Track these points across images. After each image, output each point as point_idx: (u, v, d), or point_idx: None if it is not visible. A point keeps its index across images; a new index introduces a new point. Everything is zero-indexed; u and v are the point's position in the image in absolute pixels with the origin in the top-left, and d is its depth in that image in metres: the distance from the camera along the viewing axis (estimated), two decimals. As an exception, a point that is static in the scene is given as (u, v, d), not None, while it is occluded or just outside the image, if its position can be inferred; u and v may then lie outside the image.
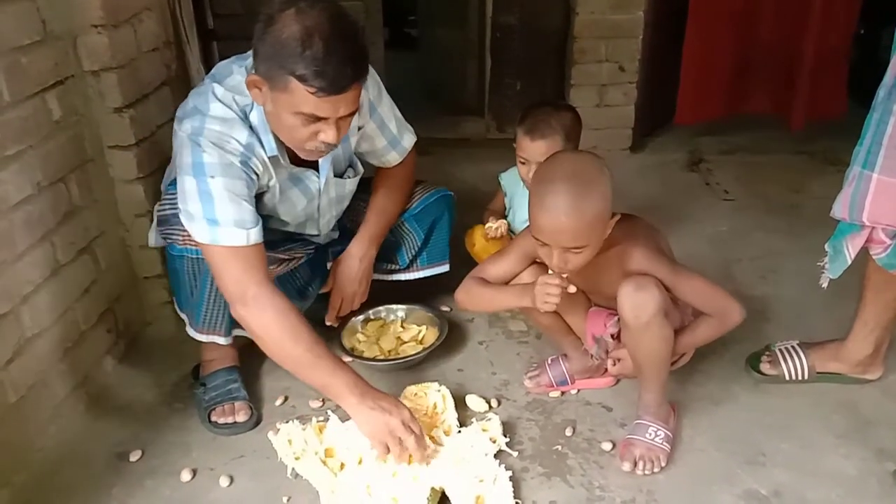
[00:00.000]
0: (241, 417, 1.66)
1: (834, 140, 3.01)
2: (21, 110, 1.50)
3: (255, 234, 1.49)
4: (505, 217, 2.21)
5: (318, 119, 1.43)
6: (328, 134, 1.45)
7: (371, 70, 1.57)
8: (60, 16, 1.62)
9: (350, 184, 1.81)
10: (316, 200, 1.75)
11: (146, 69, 1.90)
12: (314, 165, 1.68)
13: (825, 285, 1.60)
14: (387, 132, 1.81)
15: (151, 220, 1.82)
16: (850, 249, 1.52)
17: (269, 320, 1.47)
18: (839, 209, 1.51)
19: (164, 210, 1.65)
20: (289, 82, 1.37)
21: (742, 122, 3.35)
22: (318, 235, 1.86)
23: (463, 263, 1.96)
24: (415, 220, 1.93)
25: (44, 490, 1.48)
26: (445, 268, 1.99)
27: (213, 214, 1.46)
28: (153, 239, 1.79)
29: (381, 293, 1.99)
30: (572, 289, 1.49)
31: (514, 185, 2.19)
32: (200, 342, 1.72)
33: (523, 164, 2.01)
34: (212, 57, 2.77)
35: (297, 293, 1.83)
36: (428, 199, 1.94)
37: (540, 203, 1.41)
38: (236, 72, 1.55)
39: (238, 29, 2.96)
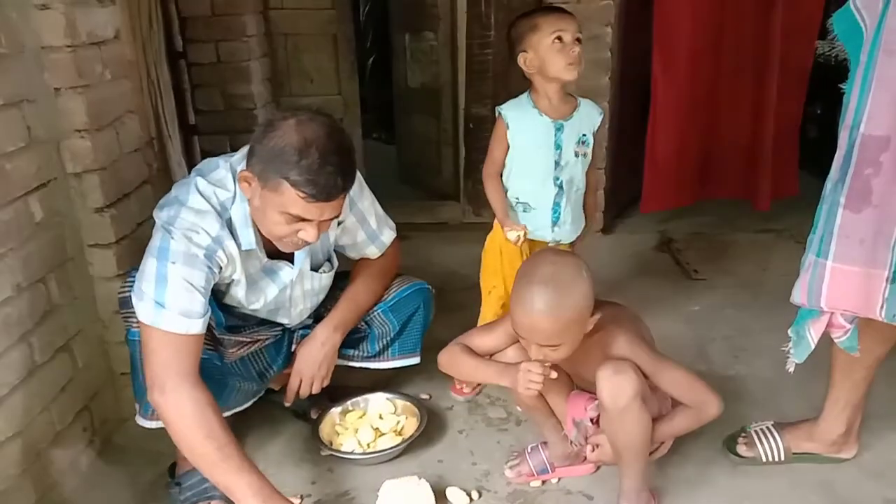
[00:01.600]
0: None
1: (801, 216, 3.09)
2: (3, 214, 1.53)
3: (195, 326, 1.51)
4: (501, 175, 1.99)
5: (302, 220, 1.51)
6: (309, 233, 1.53)
7: None
8: (45, 122, 1.68)
9: (325, 278, 1.85)
10: (288, 291, 1.78)
11: (128, 169, 1.95)
12: (289, 257, 1.72)
13: (791, 370, 1.64)
14: (367, 227, 1.86)
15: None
16: (813, 334, 1.56)
17: (185, 411, 1.47)
18: (798, 296, 1.55)
19: (125, 292, 1.66)
20: (281, 185, 1.45)
21: (709, 202, 3.46)
22: (288, 324, 1.89)
23: (439, 346, 1.97)
24: (390, 311, 1.95)
25: None
26: (416, 360, 2.00)
27: (163, 298, 1.49)
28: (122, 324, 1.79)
29: (359, 379, 1.99)
30: (553, 374, 1.52)
31: (523, 117, 1.93)
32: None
33: (560, 41, 1.85)
34: (193, 151, 2.84)
35: (258, 375, 1.84)
36: (404, 291, 1.96)
37: (519, 301, 1.47)
38: (221, 167, 1.62)
39: (219, 123, 3.08)
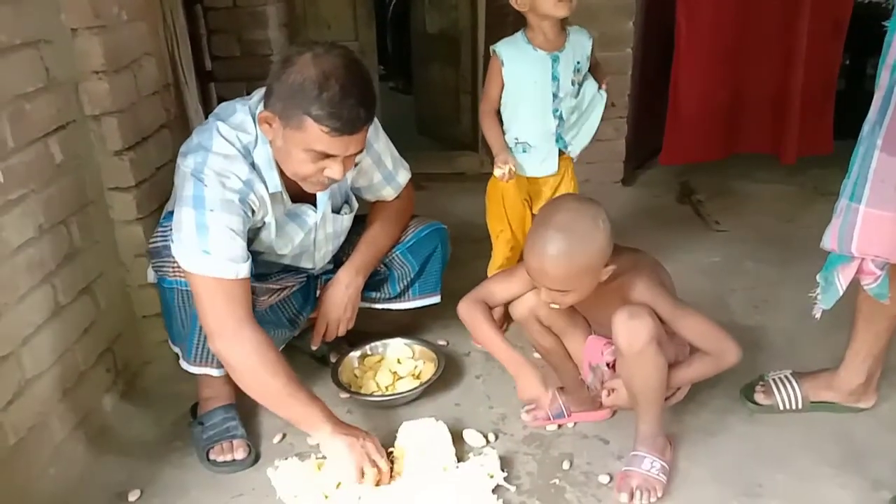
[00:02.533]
0: (240, 455, 1.67)
1: (824, 170, 3.06)
2: (24, 155, 1.53)
3: (244, 270, 1.53)
4: (499, 111, 1.99)
5: (327, 156, 1.50)
6: (334, 170, 1.53)
7: None
8: (63, 63, 1.67)
9: (346, 220, 1.85)
10: (312, 234, 1.78)
11: (146, 113, 1.94)
12: (311, 201, 1.72)
13: (818, 316, 1.62)
14: (382, 168, 1.85)
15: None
16: (842, 280, 1.54)
17: (248, 354, 1.50)
18: (828, 241, 1.53)
19: (156, 242, 1.67)
20: (303, 121, 1.45)
21: (737, 161, 3.40)
22: (312, 269, 1.89)
23: (457, 296, 1.98)
24: (409, 252, 1.96)
25: (43, 532, 1.49)
26: (437, 299, 2.01)
27: (207, 246, 1.49)
28: (151, 274, 1.81)
29: (378, 325, 2.01)
30: (555, 305, 1.55)
31: (517, 53, 1.92)
32: (197, 379, 1.74)
33: None
34: (209, 98, 2.83)
35: (288, 321, 1.86)
36: (421, 232, 1.97)
37: (532, 244, 1.47)
38: (240, 111, 1.61)
39: (235, 70, 3.04)
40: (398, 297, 1.98)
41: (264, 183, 1.60)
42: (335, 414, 1.58)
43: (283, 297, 1.81)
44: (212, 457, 1.67)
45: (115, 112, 1.79)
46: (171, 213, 1.60)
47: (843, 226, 1.49)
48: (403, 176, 1.92)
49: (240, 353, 1.51)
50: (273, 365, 1.51)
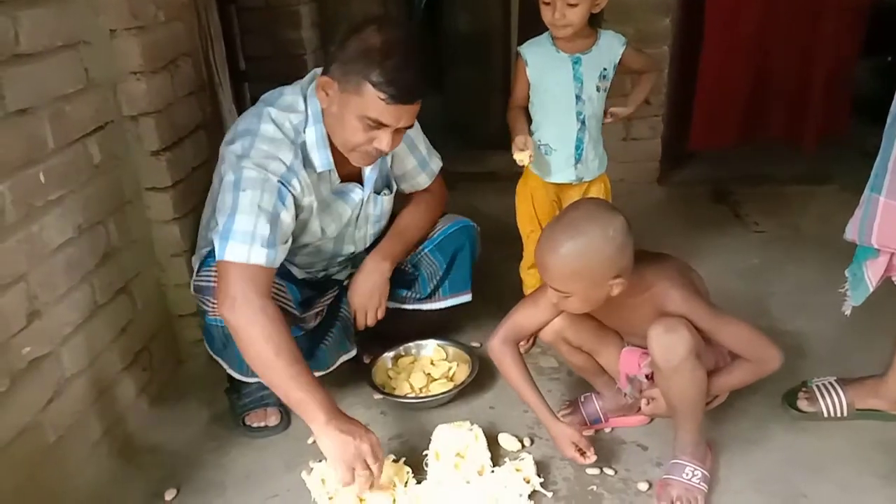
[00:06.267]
0: (273, 421, 1.75)
1: (865, 170, 2.98)
2: (64, 156, 1.54)
3: (269, 256, 1.52)
4: (527, 109, 1.99)
5: (379, 126, 1.54)
6: (383, 141, 1.56)
7: None
8: (102, 64, 1.68)
9: (386, 202, 1.87)
10: (358, 210, 1.80)
11: (182, 113, 1.95)
12: (358, 181, 1.76)
13: (848, 312, 1.58)
14: (416, 153, 1.88)
15: (187, 261, 1.88)
16: (871, 275, 1.50)
17: (257, 326, 1.48)
18: (850, 231, 1.52)
19: (200, 282, 1.71)
20: (362, 86, 1.49)
21: (768, 154, 3.34)
22: (354, 254, 1.89)
23: (490, 297, 1.95)
24: (437, 249, 1.95)
25: (81, 530, 1.50)
26: (468, 297, 1.99)
27: (234, 228, 1.51)
28: (192, 289, 1.81)
29: (411, 326, 2.00)
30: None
31: (541, 54, 1.93)
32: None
33: (547, 3, 1.84)
34: (243, 98, 2.83)
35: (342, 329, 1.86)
36: (449, 229, 1.97)
37: (543, 234, 1.48)
38: (288, 93, 1.66)
39: (268, 70, 3.04)
40: (429, 297, 1.97)
41: (311, 165, 1.63)
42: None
43: (324, 313, 1.82)
44: (247, 422, 1.76)
45: (153, 112, 1.80)
46: (214, 254, 1.57)
47: (864, 216, 1.47)
48: (436, 163, 1.95)
49: (247, 324, 1.48)
50: (278, 344, 1.47)
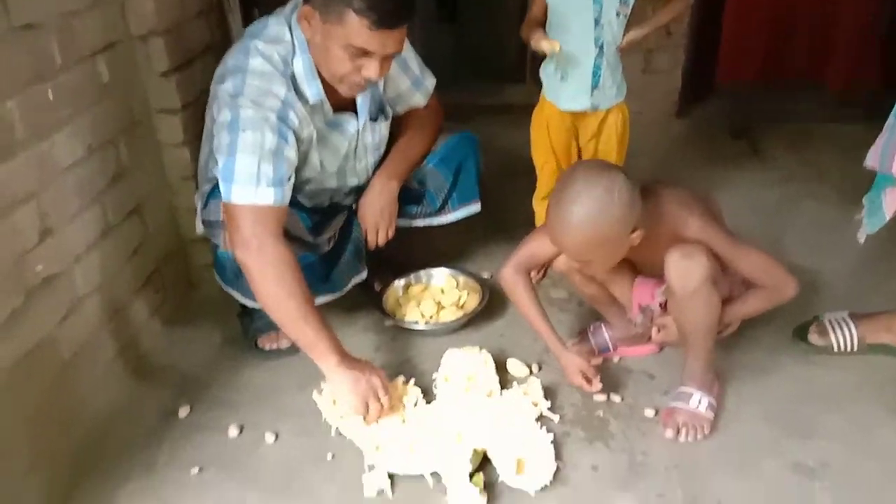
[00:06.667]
0: (285, 344, 1.77)
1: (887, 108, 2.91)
2: (72, 74, 1.51)
3: (276, 195, 1.51)
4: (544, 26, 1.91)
5: (365, 54, 1.49)
6: (371, 69, 1.52)
7: None
8: (109, -21, 1.64)
9: (383, 128, 1.83)
10: (355, 142, 1.77)
11: (192, 34, 1.91)
12: (352, 109, 1.72)
13: (862, 240, 1.56)
14: (410, 73, 1.83)
15: (196, 187, 1.86)
16: (888, 203, 1.47)
17: (269, 268, 1.48)
18: (871, 158, 1.49)
19: (209, 216, 1.69)
20: (344, 14, 1.44)
21: (791, 91, 3.26)
22: (358, 186, 1.87)
23: (503, 229, 1.93)
24: (441, 163, 1.93)
25: (97, 445, 1.53)
26: (477, 207, 1.97)
27: (238, 170, 1.49)
28: (199, 227, 1.82)
29: (422, 254, 1.99)
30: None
31: None
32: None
33: None
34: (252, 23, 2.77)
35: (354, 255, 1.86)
36: (450, 142, 1.95)
37: (548, 216, 1.45)
38: (272, 24, 1.60)
39: (279, -6, 2.97)
40: (439, 211, 1.94)
41: (304, 97, 1.59)
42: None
43: (336, 236, 1.81)
44: (260, 345, 1.78)
45: (162, 32, 1.76)
46: (218, 187, 1.56)
47: (885, 144, 1.44)
48: (431, 82, 1.90)
49: (260, 265, 1.49)
50: (290, 286, 1.47)
